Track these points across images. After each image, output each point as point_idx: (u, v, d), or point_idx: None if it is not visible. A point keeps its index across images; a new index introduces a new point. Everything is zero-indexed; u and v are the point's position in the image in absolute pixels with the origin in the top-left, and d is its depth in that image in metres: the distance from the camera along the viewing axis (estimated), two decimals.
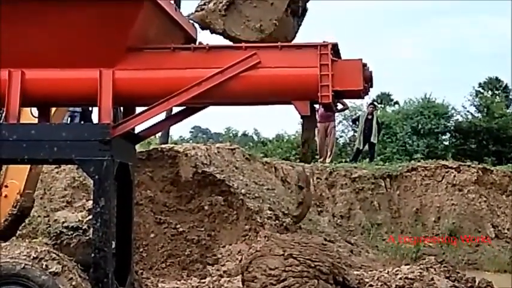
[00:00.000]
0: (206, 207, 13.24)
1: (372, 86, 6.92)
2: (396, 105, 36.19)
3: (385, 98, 39.42)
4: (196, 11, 7.22)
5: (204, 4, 7.23)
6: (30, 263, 6.34)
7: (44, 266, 6.36)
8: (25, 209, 9.92)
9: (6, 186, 9.69)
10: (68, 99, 7.30)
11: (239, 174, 14.37)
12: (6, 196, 9.77)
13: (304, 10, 7.83)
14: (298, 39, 7.55)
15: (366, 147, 20.62)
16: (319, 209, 16.34)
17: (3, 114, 8.14)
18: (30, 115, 8.97)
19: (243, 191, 13.61)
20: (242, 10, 7.24)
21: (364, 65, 6.78)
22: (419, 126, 27.21)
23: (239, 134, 38.03)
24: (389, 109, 35.47)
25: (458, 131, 28.05)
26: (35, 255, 6.41)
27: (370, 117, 20.51)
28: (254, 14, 7.24)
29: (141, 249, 12.29)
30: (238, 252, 12.60)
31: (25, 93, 6.75)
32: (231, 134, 36.50)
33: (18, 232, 11.28)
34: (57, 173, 13.20)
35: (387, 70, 72.64)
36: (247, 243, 12.57)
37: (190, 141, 32.71)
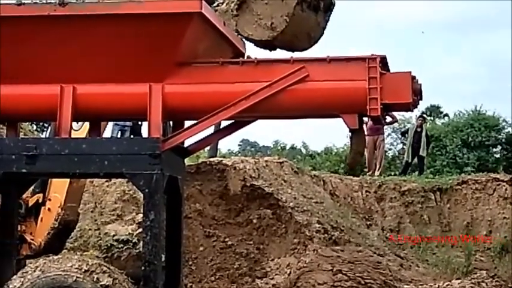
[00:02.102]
0: (255, 221, 13.23)
1: (421, 99, 6.87)
2: (446, 118, 35.79)
3: (434, 111, 39.00)
4: None
5: (217, 5, 7.23)
6: (82, 276, 6.42)
7: (95, 279, 6.42)
8: (69, 222, 10.00)
9: (49, 200, 9.81)
10: (118, 114, 7.38)
11: (287, 188, 14.34)
12: (49, 209, 9.89)
13: (330, 5, 7.69)
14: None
15: (415, 160, 20.42)
16: (368, 223, 16.21)
17: (51, 129, 8.29)
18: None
19: (291, 204, 13.58)
20: (254, 8, 7.22)
21: (413, 77, 6.74)
22: (470, 138, 26.87)
23: (287, 147, 37.92)
24: (439, 122, 35.06)
25: (509, 144, 27.61)
26: (86, 268, 6.48)
27: (419, 129, 20.31)
28: (266, 12, 7.20)
29: (190, 263, 12.33)
30: (287, 266, 12.56)
31: (76, 108, 6.86)
32: (279, 147, 36.44)
33: (70, 245, 11.42)
34: (107, 186, 13.32)
35: (437, 82, 71.95)
36: (296, 256, 12.54)
37: (239, 154, 32.71)
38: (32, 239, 9.65)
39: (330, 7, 7.71)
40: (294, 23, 7.19)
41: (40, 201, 9.81)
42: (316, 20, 7.56)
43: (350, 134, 7.16)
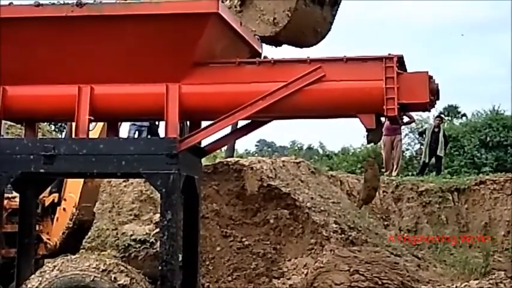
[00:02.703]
0: (272, 221, 13.23)
1: (438, 99, 6.85)
2: (464, 118, 35.62)
3: (452, 111, 38.83)
4: None
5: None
6: (100, 275, 6.45)
7: (112, 279, 6.46)
8: (84, 222, 10.04)
9: (65, 200, 9.86)
10: (135, 114, 7.41)
11: (304, 188, 14.33)
12: (64, 209, 9.94)
13: None
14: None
15: (433, 160, 20.35)
16: (385, 223, 16.17)
17: (67, 129, 8.31)
18: None
19: (308, 204, 13.56)
20: (257, 4, 7.20)
21: (430, 77, 6.72)
22: (488, 138, 26.71)
23: (304, 147, 37.94)
24: (456, 122, 34.88)
25: None
26: (104, 268, 6.52)
27: (436, 130, 20.23)
28: (268, 7, 7.18)
29: (207, 262, 12.34)
30: (304, 266, 12.55)
31: (94, 108, 6.89)
32: (296, 148, 36.46)
33: (87, 245, 11.48)
34: (125, 186, 13.36)
35: (454, 82, 71.64)
36: (313, 256, 12.52)
37: (256, 154, 32.74)
38: (48, 239, 9.71)
39: (336, 1, 7.64)
40: (298, 18, 7.14)
41: (56, 201, 9.87)
42: (322, 14, 7.50)
43: (366, 133, 7.15)
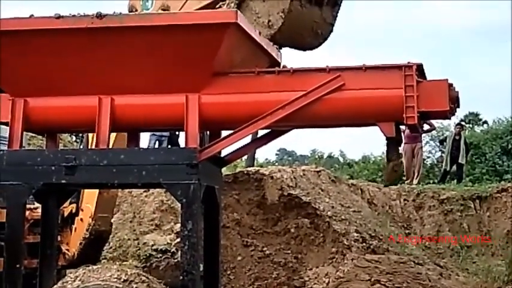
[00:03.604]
0: (292, 230, 13.21)
1: (458, 106, 6.82)
2: (485, 125, 35.49)
3: (473, 118, 38.69)
4: None
5: (220, 7, 7.22)
6: (121, 286, 6.47)
7: None
8: (101, 232, 10.06)
9: (82, 210, 9.90)
10: (155, 124, 7.44)
11: (325, 197, 14.30)
12: (81, 220, 9.98)
13: None
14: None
15: (454, 168, 20.25)
16: (407, 231, 16.10)
17: (84, 140, 8.33)
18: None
19: (329, 213, 13.53)
20: (253, 7, 7.19)
21: (450, 85, 6.70)
22: (510, 146, 26.58)
23: (325, 156, 37.93)
24: (477, 129, 34.75)
25: None
26: (125, 278, 6.53)
27: (457, 137, 20.15)
28: (263, 9, 7.16)
29: (228, 272, 12.34)
30: (326, 275, 12.51)
31: (114, 119, 6.93)
32: (316, 156, 36.48)
33: (109, 255, 11.51)
34: (146, 196, 13.40)
35: (475, 90, 71.30)
36: (334, 265, 12.48)
37: (276, 163, 32.73)
38: (67, 249, 9.75)
39: (336, 1, 7.58)
40: (293, 19, 7.10)
41: (74, 211, 9.91)
42: (321, 15, 7.44)
43: (386, 143, 7.13)
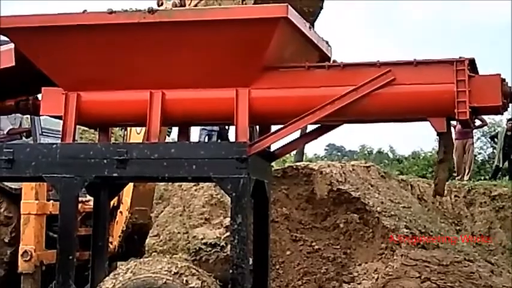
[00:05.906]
0: (341, 225, 13.19)
1: (511, 102, 6.73)
2: None
3: None
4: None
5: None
6: (171, 278, 6.53)
7: (184, 281, 6.53)
8: (140, 225, 10.14)
9: (122, 203, 9.99)
10: (205, 119, 7.47)
11: (374, 192, 14.24)
12: (121, 212, 10.08)
13: None
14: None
15: (506, 164, 19.98)
16: (457, 228, 15.95)
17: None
18: (135, 133, 9.24)
19: (378, 208, 13.47)
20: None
21: (503, 80, 6.61)
22: None
23: (374, 151, 37.70)
24: None
25: None
26: (175, 271, 6.60)
27: (509, 133, 19.87)
28: None
29: (277, 266, 12.38)
30: (375, 271, 12.46)
31: (165, 113, 6.98)
32: (366, 152, 36.29)
33: (159, 248, 11.63)
34: (195, 190, 13.49)
35: None
36: (384, 261, 12.42)
37: (325, 158, 32.69)
38: (111, 242, 9.87)
39: None
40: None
41: (115, 204, 10.02)
42: None
43: (438, 137, 7.08)
